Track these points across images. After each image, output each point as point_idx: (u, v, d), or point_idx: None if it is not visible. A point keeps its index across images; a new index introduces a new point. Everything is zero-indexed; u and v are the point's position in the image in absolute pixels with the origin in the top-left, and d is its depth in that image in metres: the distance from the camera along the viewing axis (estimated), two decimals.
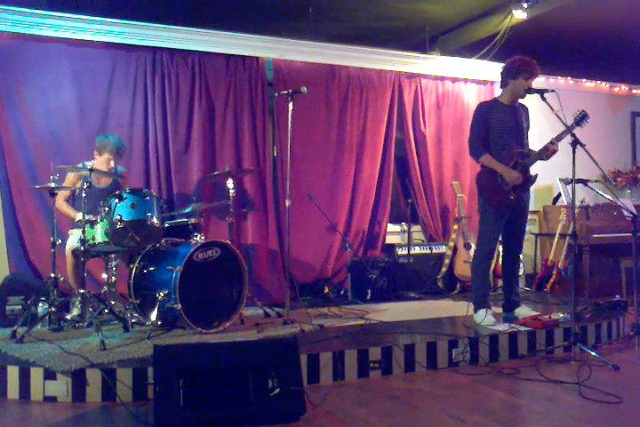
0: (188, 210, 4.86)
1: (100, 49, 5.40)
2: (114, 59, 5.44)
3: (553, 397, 3.29)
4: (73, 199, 4.77)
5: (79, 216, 4.48)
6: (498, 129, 4.47)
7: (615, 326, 4.69)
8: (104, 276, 4.55)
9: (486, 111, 4.51)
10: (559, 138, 4.37)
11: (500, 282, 5.45)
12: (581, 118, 4.30)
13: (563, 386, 3.46)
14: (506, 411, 3.16)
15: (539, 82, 7.21)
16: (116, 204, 4.08)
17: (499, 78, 4.64)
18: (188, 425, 2.81)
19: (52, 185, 4.12)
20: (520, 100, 4.61)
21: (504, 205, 4.43)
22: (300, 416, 2.94)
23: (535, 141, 4.78)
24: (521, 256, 4.92)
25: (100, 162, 4.72)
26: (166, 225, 4.42)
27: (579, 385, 3.39)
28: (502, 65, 4.60)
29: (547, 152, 4.42)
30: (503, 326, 4.29)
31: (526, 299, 5.40)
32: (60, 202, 4.62)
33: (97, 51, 5.39)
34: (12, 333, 3.95)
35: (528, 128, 4.66)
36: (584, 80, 7.72)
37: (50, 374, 3.26)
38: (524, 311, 4.67)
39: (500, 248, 4.88)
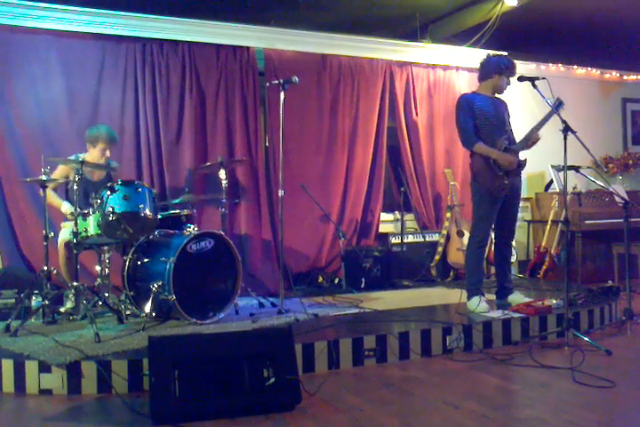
0: (177, 200, 4.85)
1: (89, 40, 5.35)
2: (103, 50, 5.39)
3: (546, 382, 3.32)
4: (66, 192, 4.73)
5: (64, 206, 4.49)
6: (481, 120, 4.53)
7: (607, 311, 4.73)
8: (97, 268, 4.56)
9: (470, 102, 4.56)
10: (538, 127, 4.46)
11: (493, 269, 5.47)
12: (558, 105, 4.34)
13: (556, 371, 3.49)
14: (500, 397, 3.18)
15: (529, 68, 7.25)
16: (108, 196, 4.04)
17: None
18: (183, 416, 2.82)
19: (44, 178, 4.10)
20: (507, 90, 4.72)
21: (500, 189, 4.45)
22: (295, 405, 2.95)
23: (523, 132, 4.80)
24: (513, 243, 4.95)
25: (95, 154, 4.67)
26: (159, 216, 4.41)
27: (572, 370, 3.42)
28: (485, 58, 4.68)
29: (528, 142, 4.53)
30: (496, 313, 4.32)
31: (519, 285, 5.43)
32: (47, 190, 4.55)
33: (86, 42, 5.34)
34: (6, 326, 3.94)
35: (509, 121, 4.73)
36: (575, 67, 7.72)
37: (45, 367, 3.26)
38: (517, 298, 4.69)
39: (493, 235, 4.90)
